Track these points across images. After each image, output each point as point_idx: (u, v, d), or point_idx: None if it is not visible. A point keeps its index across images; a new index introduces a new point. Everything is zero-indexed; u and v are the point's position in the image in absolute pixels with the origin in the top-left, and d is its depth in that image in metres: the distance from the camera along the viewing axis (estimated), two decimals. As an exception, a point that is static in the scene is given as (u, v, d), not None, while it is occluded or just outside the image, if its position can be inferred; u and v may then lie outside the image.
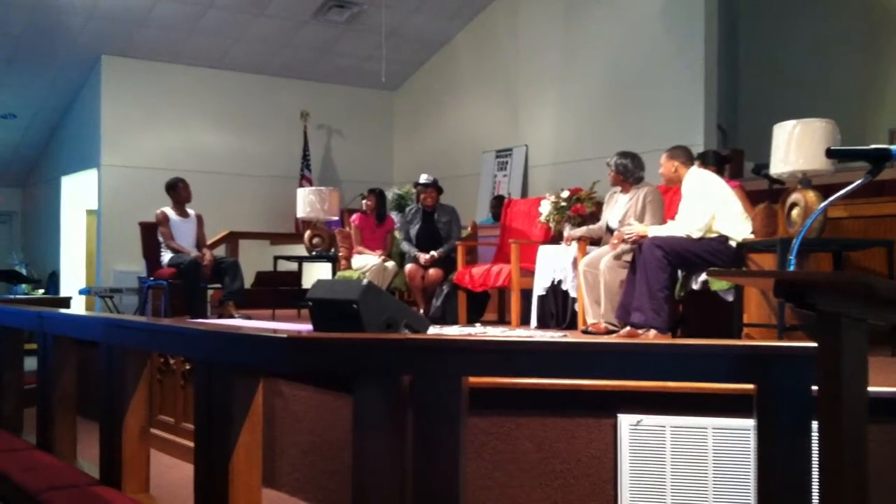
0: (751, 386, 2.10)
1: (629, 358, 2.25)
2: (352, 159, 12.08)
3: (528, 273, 6.28)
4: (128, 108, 10.61)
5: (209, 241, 8.41)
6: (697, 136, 8.34)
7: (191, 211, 7.74)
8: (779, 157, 4.60)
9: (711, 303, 5.09)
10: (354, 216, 7.97)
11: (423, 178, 7.47)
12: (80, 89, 11.11)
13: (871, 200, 5.23)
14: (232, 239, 9.98)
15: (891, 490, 3.05)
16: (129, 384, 3.43)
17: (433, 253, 7.15)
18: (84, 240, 12.10)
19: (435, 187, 7.38)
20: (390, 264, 7.42)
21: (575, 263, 5.83)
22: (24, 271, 11.59)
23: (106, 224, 10.46)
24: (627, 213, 5.68)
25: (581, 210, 6.25)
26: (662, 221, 5.47)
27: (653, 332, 4.90)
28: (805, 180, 4.55)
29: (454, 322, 6.73)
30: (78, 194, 11.90)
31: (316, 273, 9.12)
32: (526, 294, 6.33)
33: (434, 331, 5.05)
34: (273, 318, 7.38)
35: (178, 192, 7.65)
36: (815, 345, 1.95)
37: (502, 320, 7.20)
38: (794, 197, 4.58)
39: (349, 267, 7.61)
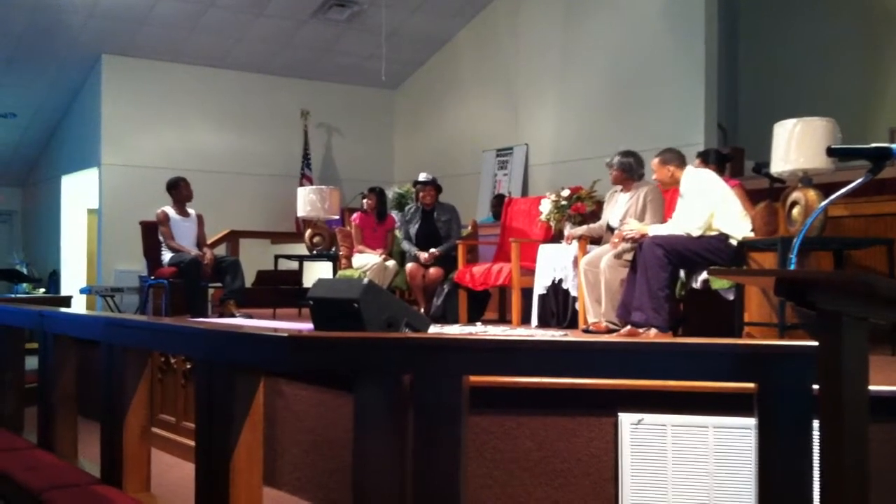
0: (751, 385, 2.10)
1: (630, 357, 2.24)
2: (352, 158, 12.08)
3: (529, 272, 6.29)
4: (128, 107, 10.61)
5: (210, 240, 8.42)
6: (698, 134, 8.34)
7: (191, 210, 7.74)
8: (779, 155, 4.60)
9: (712, 302, 5.09)
10: (355, 215, 7.97)
11: (422, 177, 7.47)
12: (81, 88, 11.11)
13: (872, 199, 5.23)
14: (233, 238, 9.99)
15: (892, 489, 3.05)
16: (129, 383, 3.43)
17: (433, 250, 7.15)
18: (85, 239, 12.11)
19: (434, 186, 7.38)
20: (391, 263, 7.42)
21: (575, 262, 5.83)
22: (24, 270, 11.61)
23: (106, 223, 10.46)
24: (628, 212, 5.67)
25: (581, 209, 6.25)
26: (663, 220, 5.47)
27: (653, 330, 4.90)
28: (806, 179, 4.55)
29: (455, 321, 6.73)
30: (78, 193, 11.90)
31: (317, 272, 9.13)
32: (527, 293, 6.33)
33: (435, 330, 5.05)
34: (274, 317, 7.38)
35: (179, 191, 7.65)
36: (815, 344, 1.95)
37: (503, 319, 7.20)
38: (795, 195, 4.58)
39: (350, 266, 7.61)
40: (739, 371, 2.15)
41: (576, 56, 9.77)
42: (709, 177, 5.16)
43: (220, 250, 9.17)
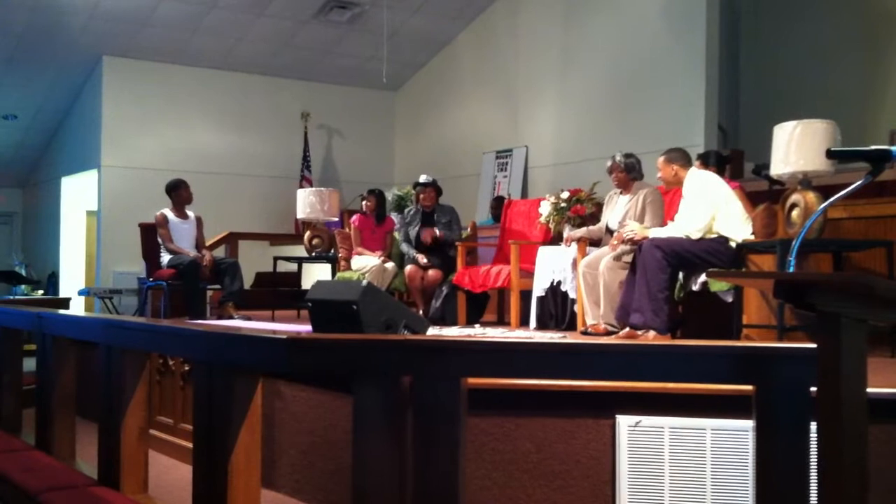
0: (750, 387, 2.10)
1: (628, 359, 2.24)
2: (352, 160, 12.08)
3: (528, 274, 6.28)
4: (128, 109, 10.61)
5: (209, 242, 8.42)
6: (698, 136, 8.34)
7: (190, 213, 7.73)
8: (779, 157, 4.60)
9: (711, 304, 5.08)
10: (354, 217, 7.97)
11: (423, 179, 7.47)
12: (81, 90, 11.11)
13: (872, 201, 5.23)
14: (232, 239, 9.98)
15: (890, 491, 3.05)
16: (128, 385, 3.43)
17: (435, 230, 7.17)
18: (84, 241, 12.11)
19: (434, 187, 7.38)
20: (390, 265, 7.41)
21: (574, 264, 5.83)
22: (23, 272, 11.61)
23: (106, 225, 10.46)
24: (627, 214, 5.67)
25: (581, 211, 6.25)
26: (663, 222, 5.47)
27: (652, 333, 4.89)
28: (805, 181, 4.55)
29: (453, 323, 6.73)
30: (78, 195, 11.90)
31: (315, 274, 9.12)
32: (525, 295, 6.33)
33: (433, 332, 5.05)
34: (272, 319, 7.37)
35: (179, 194, 7.64)
36: (814, 346, 1.95)
37: (502, 321, 7.20)
38: (794, 198, 4.58)
39: (349, 268, 7.61)
40: (738, 373, 2.15)
41: (576, 58, 9.78)
42: (712, 179, 5.15)
43: (219, 252, 9.16)
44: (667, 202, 5.78)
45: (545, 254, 6.19)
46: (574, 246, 5.90)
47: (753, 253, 4.88)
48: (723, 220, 4.98)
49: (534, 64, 10.29)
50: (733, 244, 4.94)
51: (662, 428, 3.30)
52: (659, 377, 2.61)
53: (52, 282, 12.10)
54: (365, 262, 7.39)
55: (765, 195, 5.28)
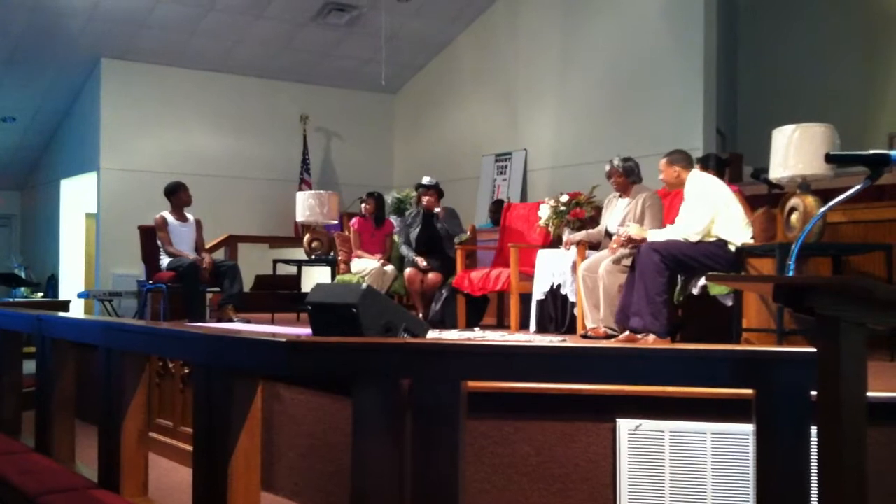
0: (750, 391, 2.10)
1: (628, 362, 2.25)
2: (351, 163, 12.08)
3: (528, 277, 6.29)
4: (127, 111, 10.61)
5: (208, 245, 8.42)
6: (696, 139, 8.34)
7: (189, 216, 7.74)
8: (778, 161, 4.60)
9: (710, 307, 5.08)
10: (353, 220, 7.97)
11: (426, 180, 7.46)
12: (80, 92, 11.11)
13: (871, 205, 5.23)
14: (231, 242, 9.98)
15: (890, 494, 3.05)
16: (127, 388, 3.43)
17: (437, 210, 7.19)
18: (83, 243, 12.09)
19: (437, 189, 7.39)
20: (389, 268, 7.41)
21: (574, 268, 5.83)
22: (22, 274, 11.59)
23: (105, 227, 10.45)
24: (626, 218, 5.68)
25: (580, 214, 6.25)
26: (661, 226, 5.47)
27: (652, 336, 4.89)
28: (804, 185, 4.56)
29: (453, 326, 6.73)
30: (77, 197, 11.89)
31: (315, 277, 9.12)
32: (525, 298, 6.33)
33: (433, 335, 5.05)
34: (272, 322, 7.37)
35: (178, 196, 7.64)
36: (813, 350, 1.95)
37: (501, 324, 7.20)
38: (794, 201, 4.58)
39: (348, 271, 7.61)
40: (737, 377, 2.15)
41: (575, 60, 9.78)
42: (713, 181, 5.15)
43: (219, 255, 9.16)
44: (666, 205, 5.78)
45: (545, 257, 6.20)
46: (573, 249, 5.90)
47: (753, 256, 4.88)
48: (722, 224, 4.98)
49: (533, 66, 10.30)
50: (732, 247, 4.95)
51: (663, 432, 3.30)
52: (659, 381, 2.61)
53: (51, 284, 12.09)
54: (364, 265, 7.39)
55: (764, 199, 5.28)
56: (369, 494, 2.38)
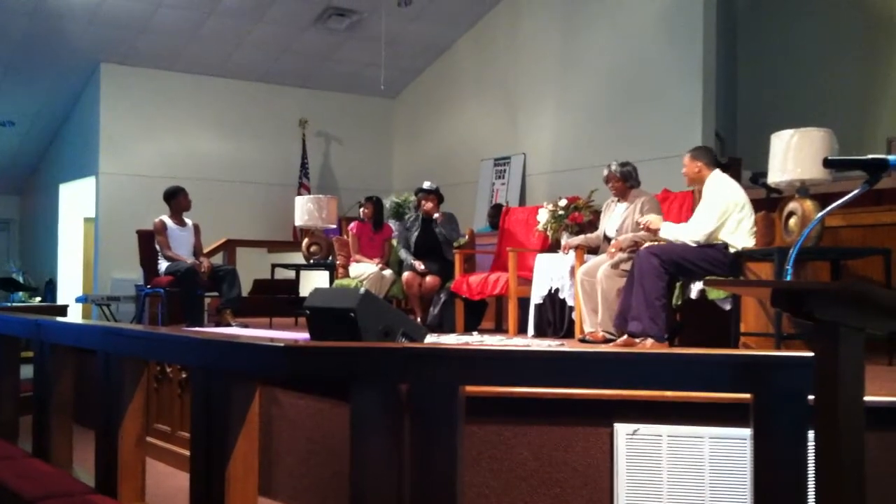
0: (748, 395, 2.10)
1: (626, 367, 2.24)
2: (351, 167, 12.09)
3: (526, 281, 6.29)
4: (126, 116, 10.62)
5: (207, 249, 8.41)
6: (695, 144, 8.33)
7: (188, 220, 7.73)
8: (776, 165, 4.60)
9: (709, 312, 5.08)
10: (352, 224, 7.97)
11: (426, 185, 7.46)
12: (79, 96, 11.12)
13: (869, 209, 5.23)
14: (229, 246, 9.97)
15: (887, 499, 3.05)
16: (125, 392, 3.42)
17: (436, 215, 7.22)
18: (81, 247, 12.10)
19: (437, 195, 7.39)
20: (388, 272, 7.41)
21: (572, 272, 5.83)
22: (21, 279, 11.60)
23: (103, 232, 10.46)
24: (625, 222, 5.69)
25: (579, 218, 6.25)
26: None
27: (650, 340, 4.89)
28: (803, 189, 4.56)
29: (451, 330, 6.73)
30: (76, 202, 11.90)
31: (313, 281, 9.12)
32: (523, 302, 6.33)
33: (431, 339, 5.05)
34: (270, 327, 7.37)
35: (177, 201, 7.63)
36: (812, 354, 1.95)
37: (500, 329, 7.19)
38: (792, 206, 4.58)
39: (347, 275, 7.60)
40: (736, 381, 2.15)
41: (574, 65, 9.79)
42: (732, 186, 5.06)
43: (217, 259, 9.15)
44: (665, 208, 5.79)
45: (543, 261, 6.20)
46: (572, 253, 5.90)
47: (751, 261, 4.88)
48: (730, 229, 4.95)
49: (532, 71, 10.31)
50: (732, 251, 4.94)
51: (660, 436, 3.29)
52: (657, 385, 2.61)
53: (49, 289, 12.08)
54: (363, 270, 7.39)
55: (762, 203, 5.28)
56: (368, 499, 2.38)
